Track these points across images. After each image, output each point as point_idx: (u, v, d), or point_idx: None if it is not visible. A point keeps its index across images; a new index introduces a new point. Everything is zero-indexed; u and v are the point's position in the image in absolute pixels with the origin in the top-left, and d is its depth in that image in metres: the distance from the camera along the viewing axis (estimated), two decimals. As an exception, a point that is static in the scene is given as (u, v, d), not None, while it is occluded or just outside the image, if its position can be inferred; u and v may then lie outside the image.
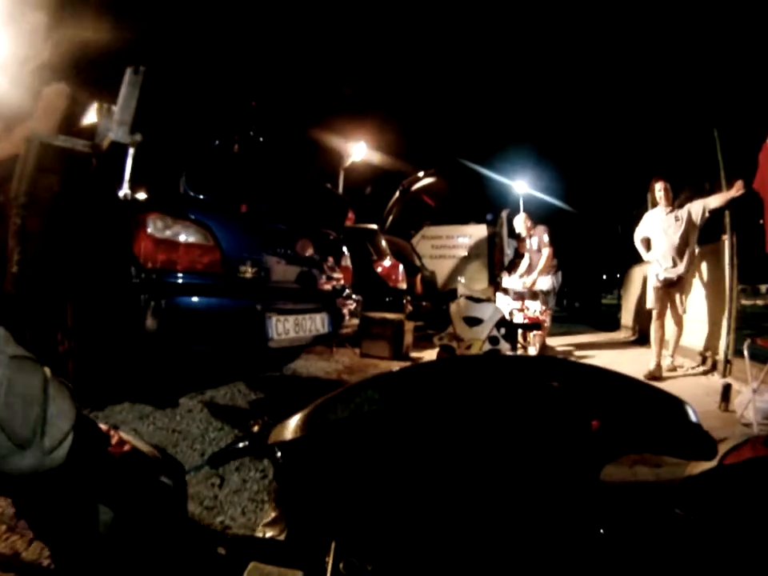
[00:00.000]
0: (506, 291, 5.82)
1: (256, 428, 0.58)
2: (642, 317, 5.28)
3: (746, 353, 2.77)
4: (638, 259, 4.73)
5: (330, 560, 0.41)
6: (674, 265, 4.03)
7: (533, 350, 5.24)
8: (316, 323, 2.99)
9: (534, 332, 5.11)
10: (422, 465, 0.43)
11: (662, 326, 4.17)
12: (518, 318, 5.12)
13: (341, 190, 8.65)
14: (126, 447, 0.47)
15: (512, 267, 6.22)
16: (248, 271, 2.55)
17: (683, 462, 0.49)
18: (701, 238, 4.11)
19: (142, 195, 2.30)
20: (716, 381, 3.62)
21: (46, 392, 0.41)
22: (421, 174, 8.72)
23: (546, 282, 5.58)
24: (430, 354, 4.95)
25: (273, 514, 0.55)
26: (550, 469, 0.42)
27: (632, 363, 4.62)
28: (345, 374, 3.94)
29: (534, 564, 0.40)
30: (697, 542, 0.41)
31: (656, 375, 3.91)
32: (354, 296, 3.55)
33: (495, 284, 7.01)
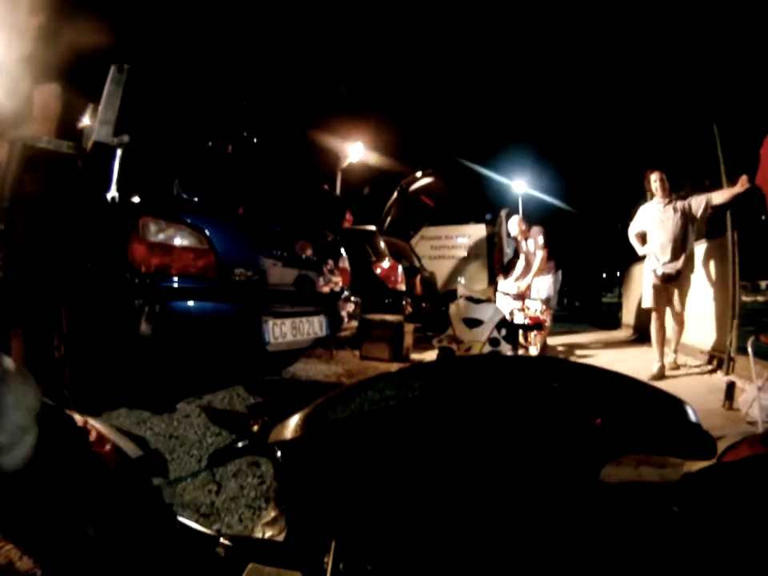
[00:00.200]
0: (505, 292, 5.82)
1: (256, 428, 0.59)
2: (643, 315, 5.22)
3: (749, 350, 2.71)
4: (638, 257, 4.62)
5: (330, 560, 0.41)
6: (673, 259, 3.84)
7: (534, 350, 5.22)
8: (314, 326, 2.96)
9: (535, 332, 5.09)
10: (423, 464, 0.43)
11: (662, 326, 4.03)
12: (519, 318, 5.10)
13: (338, 191, 8.65)
14: (107, 447, 0.43)
15: (510, 267, 6.19)
16: (243, 274, 2.52)
17: (686, 462, 0.48)
18: (705, 233, 4.04)
19: (134, 198, 2.28)
20: (719, 379, 3.58)
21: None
22: (419, 174, 8.70)
23: (545, 289, 5.57)
24: (430, 356, 4.93)
25: (273, 514, 0.55)
26: (549, 469, 0.42)
27: (633, 362, 4.60)
28: (344, 377, 3.91)
29: (534, 564, 0.40)
30: (694, 540, 0.41)
31: (659, 377, 3.84)
32: (352, 298, 3.53)
33: (495, 284, 6.99)
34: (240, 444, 0.56)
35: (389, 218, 8.57)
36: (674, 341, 4.19)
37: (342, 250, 3.55)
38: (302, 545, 0.45)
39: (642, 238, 4.16)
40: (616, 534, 0.41)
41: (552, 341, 6.07)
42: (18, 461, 0.37)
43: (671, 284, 3.93)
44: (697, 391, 3.36)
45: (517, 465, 0.42)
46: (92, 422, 0.45)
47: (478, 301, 3.69)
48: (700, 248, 4.29)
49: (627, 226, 4.43)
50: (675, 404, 0.41)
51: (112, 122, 1.83)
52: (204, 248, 2.37)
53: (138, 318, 2.15)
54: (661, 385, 0.42)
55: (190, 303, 2.31)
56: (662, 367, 3.93)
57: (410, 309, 5.76)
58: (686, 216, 3.84)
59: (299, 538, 0.47)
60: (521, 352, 4.71)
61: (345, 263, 3.55)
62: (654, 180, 3.99)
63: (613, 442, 0.41)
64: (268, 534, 0.53)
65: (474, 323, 3.35)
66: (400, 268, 6.03)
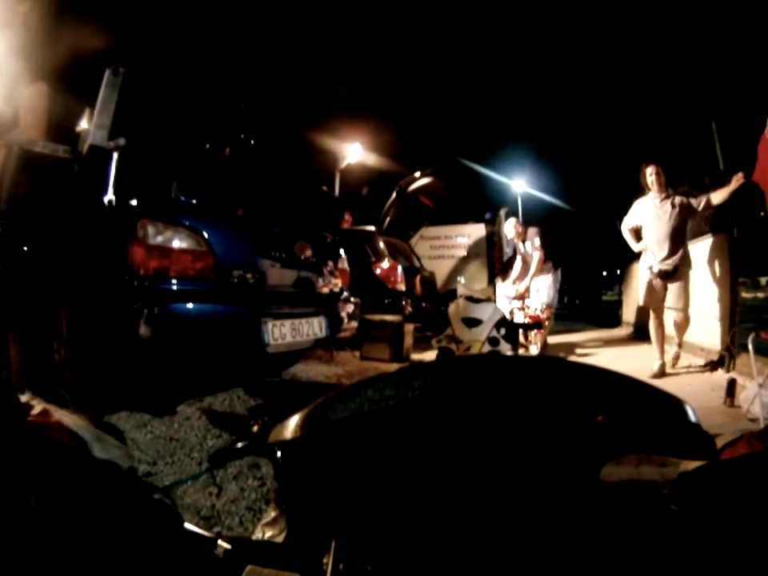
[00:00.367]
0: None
1: (256, 428, 0.59)
2: (643, 313, 5.20)
3: (750, 347, 2.69)
4: (637, 255, 4.58)
5: (330, 560, 0.41)
6: (670, 254, 3.75)
7: (534, 349, 5.22)
8: (314, 327, 2.95)
9: (535, 331, 5.09)
10: (423, 464, 0.43)
11: (661, 324, 3.97)
12: (519, 317, 5.09)
13: (337, 191, 8.64)
14: (53, 419, 0.41)
15: (508, 266, 6.18)
16: (242, 276, 2.52)
17: (685, 461, 0.49)
18: (705, 230, 4.00)
19: (132, 201, 2.28)
20: (721, 376, 3.57)
21: None
22: (417, 174, 8.68)
23: (545, 288, 5.57)
24: (430, 356, 4.93)
25: (273, 514, 0.54)
26: (549, 470, 0.42)
27: (634, 360, 4.59)
28: (345, 378, 3.91)
29: (534, 563, 0.40)
30: (692, 538, 0.41)
31: (660, 375, 3.81)
32: (352, 298, 3.52)
33: (495, 283, 6.99)
34: (240, 444, 0.56)
35: (388, 219, 8.55)
36: (678, 336, 4.12)
37: (341, 251, 3.55)
38: (301, 545, 0.45)
39: (636, 233, 4.05)
40: (615, 532, 0.41)
41: (552, 339, 6.06)
42: None
43: (668, 281, 3.86)
44: (698, 389, 3.35)
45: (517, 465, 0.42)
46: (51, 407, 0.44)
47: (477, 300, 3.68)
48: (700, 245, 4.28)
49: (626, 223, 4.38)
50: (675, 404, 0.41)
51: (107, 126, 1.83)
52: (202, 250, 2.37)
53: (137, 320, 2.15)
54: (662, 383, 0.42)
55: (189, 305, 2.31)
56: (663, 365, 3.91)
57: (409, 309, 5.75)
58: (684, 212, 3.77)
59: (299, 538, 0.47)
60: (521, 351, 4.71)
61: (344, 264, 3.55)
62: (650, 174, 3.86)
63: (612, 441, 0.42)
64: (268, 535, 0.53)
65: (473, 323, 3.34)
66: (399, 268, 6.02)
